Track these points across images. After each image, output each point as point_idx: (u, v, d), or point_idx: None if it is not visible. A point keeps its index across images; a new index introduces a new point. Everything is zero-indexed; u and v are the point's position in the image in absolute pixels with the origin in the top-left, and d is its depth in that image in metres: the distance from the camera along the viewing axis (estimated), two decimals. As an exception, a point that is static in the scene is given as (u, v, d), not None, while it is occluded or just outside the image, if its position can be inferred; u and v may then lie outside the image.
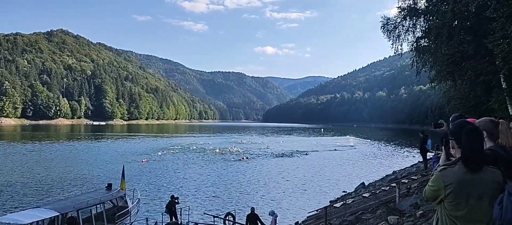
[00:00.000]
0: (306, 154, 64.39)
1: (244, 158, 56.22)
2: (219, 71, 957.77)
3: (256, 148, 75.56)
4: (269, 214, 18.86)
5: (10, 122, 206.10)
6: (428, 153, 21.29)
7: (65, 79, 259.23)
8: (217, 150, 68.16)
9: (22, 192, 29.77)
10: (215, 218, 20.61)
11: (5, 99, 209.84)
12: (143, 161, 50.71)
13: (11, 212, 20.94)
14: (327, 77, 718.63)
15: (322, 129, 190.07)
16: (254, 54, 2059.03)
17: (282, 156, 60.85)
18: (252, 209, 18.94)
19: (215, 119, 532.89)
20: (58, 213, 16.11)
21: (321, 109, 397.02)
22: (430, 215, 12.32)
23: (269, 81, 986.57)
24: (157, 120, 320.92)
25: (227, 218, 20.85)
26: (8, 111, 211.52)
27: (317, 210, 20.87)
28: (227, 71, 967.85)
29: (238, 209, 24.60)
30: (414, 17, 33.34)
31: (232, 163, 51.37)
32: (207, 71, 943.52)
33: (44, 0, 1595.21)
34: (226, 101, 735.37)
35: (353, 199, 23.23)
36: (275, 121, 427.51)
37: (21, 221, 14.83)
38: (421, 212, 13.38)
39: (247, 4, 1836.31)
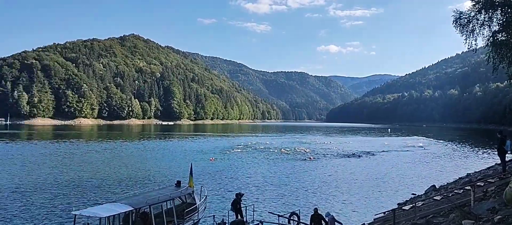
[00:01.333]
0: (373, 155, 62.60)
1: (311, 157, 55.92)
2: (281, 71, 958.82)
3: (321, 148, 74.74)
4: (325, 216, 18.61)
5: (87, 122, 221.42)
6: (507, 155, 19.83)
7: (136, 82, 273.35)
8: (282, 150, 68.36)
9: (99, 187, 31.85)
10: (279, 218, 20.64)
11: (83, 101, 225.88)
12: (211, 159, 52.12)
13: (90, 206, 22.53)
14: (394, 76, 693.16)
15: (389, 129, 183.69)
16: (317, 53, 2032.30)
17: (348, 156, 59.67)
18: (316, 209, 18.74)
19: (277, 119, 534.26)
20: (132, 208, 16.99)
21: (387, 108, 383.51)
22: (510, 220, 11.50)
23: (333, 80, 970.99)
24: (221, 119, 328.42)
25: (291, 217, 20.78)
26: (86, 112, 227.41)
27: (384, 213, 20.20)
28: (289, 71, 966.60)
29: (303, 209, 24.48)
30: (490, 10, 31.10)
31: (297, 162, 51.26)
32: (270, 72, 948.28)
33: (118, 7, 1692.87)
34: (288, 101, 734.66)
35: (423, 202, 22.15)
36: (339, 120, 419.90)
37: (100, 215, 15.88)
38: (500, 217, 12.48)
39: (310, 3, 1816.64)
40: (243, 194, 21.78)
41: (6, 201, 26.42)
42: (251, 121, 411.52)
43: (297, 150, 69.08)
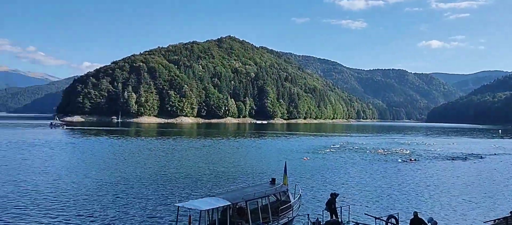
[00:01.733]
0: (481, 158, 57.45)
1: (411, 159, 53.07)
2: (378, 69, 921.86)
3: (422, 149, 70.55)
4: (428, 222, 17.41)
5: (188, 120, 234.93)
6: None
7: (232, 82, 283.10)
8: (379, 150, 65.88)
9: (198, 181, 33.52)
10: (376, 220, 19.84)
11: (184, 100, 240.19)
12: (304, 158, 52.04)
13: (191, 199, 23.81)
14: (506, 72, 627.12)
15: (500, 130, 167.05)
16: (417, 49, 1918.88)
17: (452, 159, 55.52)
18: (416, 213, 17.68)
19: (373, 119, 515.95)
20: (230, 203, 17.60)
21: (498, 108, 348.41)
22: None
23: (434, 77, 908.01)
24: (315, 119, 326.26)
25: (389, 221, 19.84)
26: (187, 111, 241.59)
27: (495, 220, 18.39)
28: (386, 68, 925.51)
29: (402, 212, 23.27)
30: None
31: (395, 164, 48.99)
32: (365, 70, 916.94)
33: (216, 11, 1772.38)
34: (385, 100, 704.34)
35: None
36: (442, 120, 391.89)
37: (200, 207, 16.74)
38: None
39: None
40: (338, 194, 21.34)
41: (117, 191, 29.00)
42: (345, 120, 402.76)
43: (396, 151, 65.97)
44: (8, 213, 22.36)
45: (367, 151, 65.13)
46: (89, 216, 22.15)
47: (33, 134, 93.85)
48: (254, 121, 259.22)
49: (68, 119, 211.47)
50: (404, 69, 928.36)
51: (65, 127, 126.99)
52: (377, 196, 29.20)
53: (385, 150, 66.56)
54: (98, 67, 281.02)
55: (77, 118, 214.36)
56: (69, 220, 21.47)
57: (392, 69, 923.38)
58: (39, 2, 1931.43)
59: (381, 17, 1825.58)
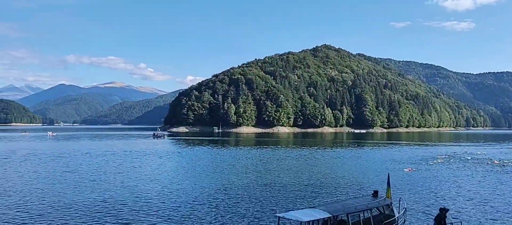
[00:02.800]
0: None
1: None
2: (489, 73, 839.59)
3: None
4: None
5: (284, 130, 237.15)
6: None
7: (328, 91, 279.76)
8: (495, 161, 59.75)
9: (297, 192, 33.32)
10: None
11: (280, 110, 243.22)
12: (408, 169, 49.16)
13: (290, 209, 23.73)
14: None
15: None
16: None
17: None
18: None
19: (486, 126, 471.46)
20: (331, 215, 17.15)
21: None
22: None
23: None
24: (418, 127, 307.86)
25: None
26: (283, 121, 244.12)
27: None
28: (499, 71, 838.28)
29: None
30: None
31: (514, 177, 43.91)
32: (474, 73, 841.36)
33: (310, 21, 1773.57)
34: (499, 106, 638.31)
35: None
36: None
37: (301, 219, 16.53)
38: None
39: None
40: (448, 209, 19.65)
41: (217, 199, 30.02)
42: (453, 128, 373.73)
43: (516, 162, 59.23)
44: (123, 216, 24.38)
45: (481, 162, 59.35)
46: (191, 222, 23.22)
47: (142, 144, 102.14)
48: (352, 130, 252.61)
49: (174, 129, 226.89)
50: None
51: (166, 137, 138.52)
52: (494, 213, 26.32)
53: (502, 161, 60.09)
54: (200, 81, 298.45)
55: (182, 129, 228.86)
56: (174, 224, 22.79)
57: (507, 71, 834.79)
58: (148, 25, 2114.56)
59: (491, 16, 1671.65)
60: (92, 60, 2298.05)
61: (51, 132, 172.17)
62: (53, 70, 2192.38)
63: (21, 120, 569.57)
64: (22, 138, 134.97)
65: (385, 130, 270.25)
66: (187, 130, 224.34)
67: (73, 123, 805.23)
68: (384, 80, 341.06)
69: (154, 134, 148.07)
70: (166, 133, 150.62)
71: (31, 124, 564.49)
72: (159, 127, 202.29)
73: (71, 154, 69.69)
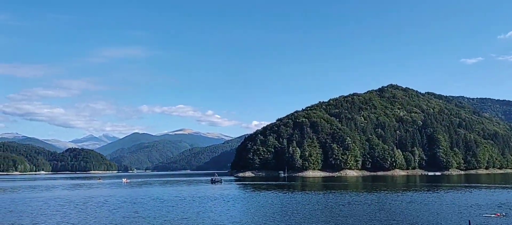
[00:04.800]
0: None
1: None
2: None
3: None
4: None
5: (352, 173, 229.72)
6: None
7: (397, 131, 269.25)
8: None
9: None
10: None
11: (347, 153, 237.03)
12: (496, 214, 44.82)
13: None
14: None
15: None
16: None
17: None
18: None
19: None
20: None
21: None
22: None
23: None
24: (499, 168, 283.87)
25: None
26: (350, 164, 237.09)
27: None
28: None
29: None
30: None
31: None
32: None
33: (375, 62, 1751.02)
34: None
35: None
36: None
37: None
38: None
39: None
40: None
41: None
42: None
43: None
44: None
45: None
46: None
47: (206, 189, 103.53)
48: (425, 173, 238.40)
49: (240, 174, 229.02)
50: None
51: (223, 182, 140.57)
52: None
53: None
54: (265, 125, 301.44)
55: (248, 173, 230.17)
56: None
57: None
58: (214, 74, 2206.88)
59: None
60: (163, 109, 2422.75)
61: (125, 179, 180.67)
62: (128, 120, 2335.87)
63: (99, 167, 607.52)
64: (99, 185, 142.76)
65: (462, 172, 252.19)
66: (253, 175, 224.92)
67: (145, 169, 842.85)
68: (458, 119, 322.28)
69: (212, 179, 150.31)
70: (218, 178, 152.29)
71: (107, 171, 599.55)
72: (216, 173, 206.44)
73: (142, 200, 72.34)
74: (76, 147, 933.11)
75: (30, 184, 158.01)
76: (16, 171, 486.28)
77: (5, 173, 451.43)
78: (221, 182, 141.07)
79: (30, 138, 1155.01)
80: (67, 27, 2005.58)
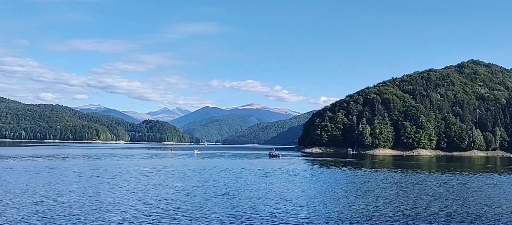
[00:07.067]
0: None
1: None
2: None
3: None
4: None
5: (426, 152, 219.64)
6: None
7: (477, 110, 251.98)
8: None
9: (446, 222, 30.13)
10: None
11: (421, 131, 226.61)
12: None
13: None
14: None
15: None
16: None
17: None
18: None
19: None
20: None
21: None
22: None
23: None
24: None
25: None
26: (424, 143, 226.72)
27: None
28: None
29: None
30: None
31: None
32: None
33: (455, 36, 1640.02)
34: None
35: None
36: None
37: None
38: None
39: None
40: None
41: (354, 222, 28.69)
42: None
43: None
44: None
45: None
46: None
47: (270, 163, 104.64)
48: (508, 155, 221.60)
49: (307, 150, 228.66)
50: None
51: (280, 157, 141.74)
52: None
53: None
54: (334, 101, 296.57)
55: (315, 149, 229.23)
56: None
57: None
58: (283, 50, 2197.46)
59: None
60: (233, 84, 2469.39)
61: (197, 150, 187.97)
62: (199, 94, 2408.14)
63: (172, 139, 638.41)
64: (171, 155, 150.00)
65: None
66: (320, 151, 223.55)
67: (215, 142, 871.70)
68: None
69: (269, 153, 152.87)
70: (276, 152, 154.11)
71: (180, 143, 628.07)
72: (274, 147, 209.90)
73: (212, 171, 74.88)
74: (152, 119, 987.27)
75: (111, 152, 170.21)
76: (99, 140, 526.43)
77: (90, 142, 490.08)
78: (278, 157, 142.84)
79: (111, 109, 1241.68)
80: (144, 3, 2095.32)
